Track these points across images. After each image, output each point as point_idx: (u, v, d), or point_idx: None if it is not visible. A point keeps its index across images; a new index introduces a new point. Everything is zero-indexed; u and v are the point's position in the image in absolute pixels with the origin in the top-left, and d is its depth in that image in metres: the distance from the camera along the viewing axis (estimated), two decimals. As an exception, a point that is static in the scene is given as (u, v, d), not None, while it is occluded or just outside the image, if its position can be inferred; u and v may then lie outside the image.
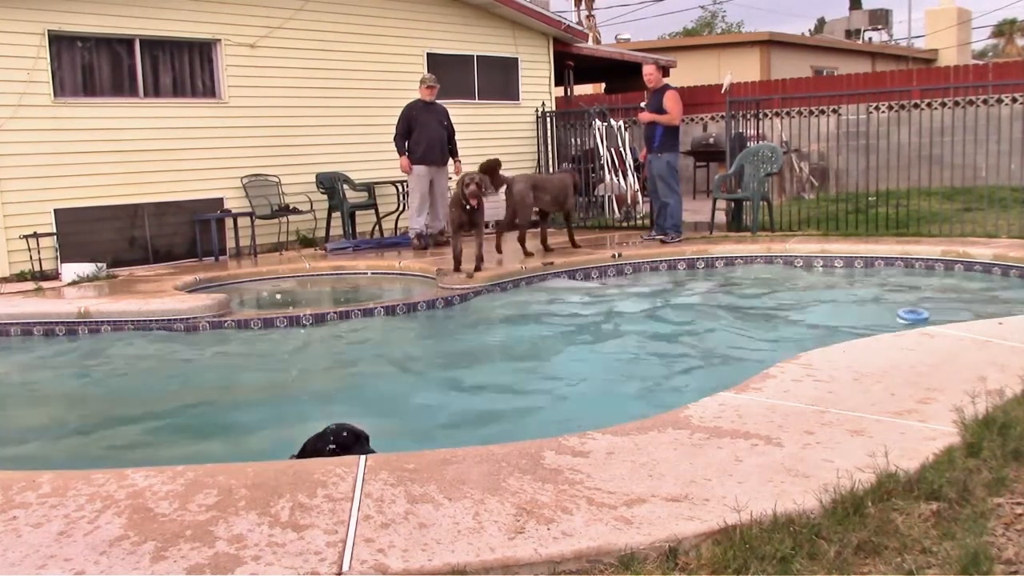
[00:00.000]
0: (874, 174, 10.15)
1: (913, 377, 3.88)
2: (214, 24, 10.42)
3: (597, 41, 25.34)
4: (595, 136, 12.70)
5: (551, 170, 13.25)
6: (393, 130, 10.29)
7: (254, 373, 5.90)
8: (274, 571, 2.30)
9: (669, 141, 9.70)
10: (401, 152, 10.22)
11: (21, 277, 8.95)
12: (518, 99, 13.92)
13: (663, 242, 9.57)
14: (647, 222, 10.96)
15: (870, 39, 30.95)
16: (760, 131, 11.51)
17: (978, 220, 9.41)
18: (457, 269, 8.04)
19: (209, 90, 10.57)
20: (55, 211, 9.28)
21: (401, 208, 11.75)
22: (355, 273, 9.35)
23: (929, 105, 12.71)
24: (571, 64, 15.91)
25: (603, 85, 21.13)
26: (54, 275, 9.07)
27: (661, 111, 9.61)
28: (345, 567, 2.30)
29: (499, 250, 9.12)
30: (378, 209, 11.59)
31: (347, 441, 3.31)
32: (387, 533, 2.48)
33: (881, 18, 31.99)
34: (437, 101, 10.39)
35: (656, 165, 9.73)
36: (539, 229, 9.53)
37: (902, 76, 15.13)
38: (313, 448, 3.31)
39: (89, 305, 7.17)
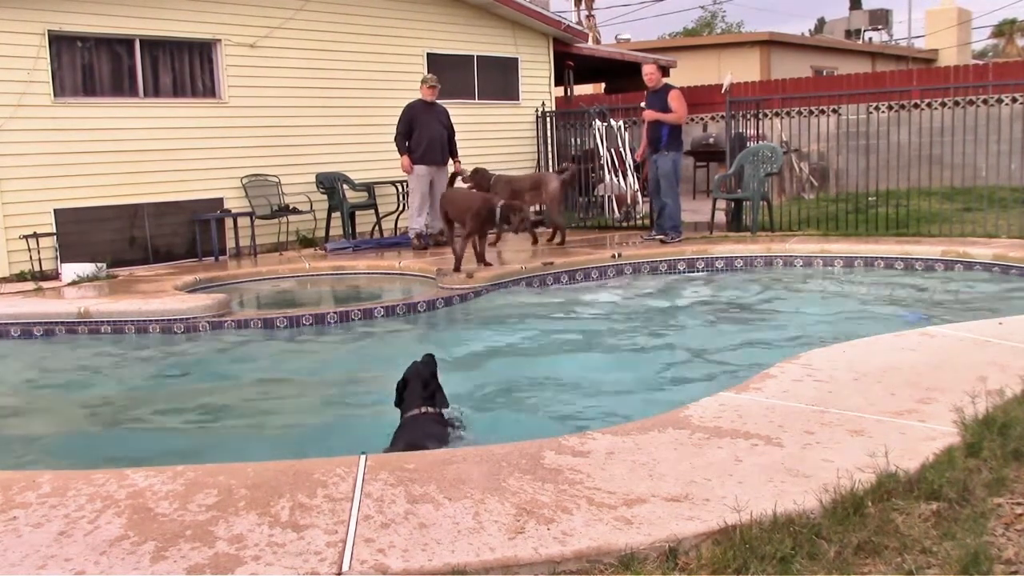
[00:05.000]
0: (874, 174, 10.15)
1: (913, 377, 3.88)
2: (214, 24, 10.42)
3: (597, 41, 25.33)
4: (595, 136, 12.70)
5: (550, 169, 13.22)
6: (393, 130, 10.29)
7: (252, 373, 5.89)
8: (274, 571, 2.30)
9: (675, 140, 9.72)
10: (402, 152, 10.22)
11: (21, 277, 8.95)
12: (518, 99, 13.92)
13: (663, 242, 9.56)
14: (647, 222, 10.96)
15: (870, 39, 30.94)
16: (760, 131, 11.51)
17: (978, 220, 9.41)
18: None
19: (209, 90, 10.56)
20: (55, 211, 9.27)
21: (401, 208, 11.75)
22: (355, 273, 9.34)
23: (929, 105, 12.71)
24: (571, 64, 15.90)
25: (603, 85, 21.11)
26: (54, 275, 9.06)
27: (664, 110, 9.61)
28: (345, 567, 2.30)
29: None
30: (378, 209, 11.59)
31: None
32: (387, 533, 2.48)
33: (881, 18, 31.98)
34: (437, 101, 10.39)
35: (663, 164, 9.72)
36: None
37: (902, 76, 15.14)
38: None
39: (89, 305, 7.17)
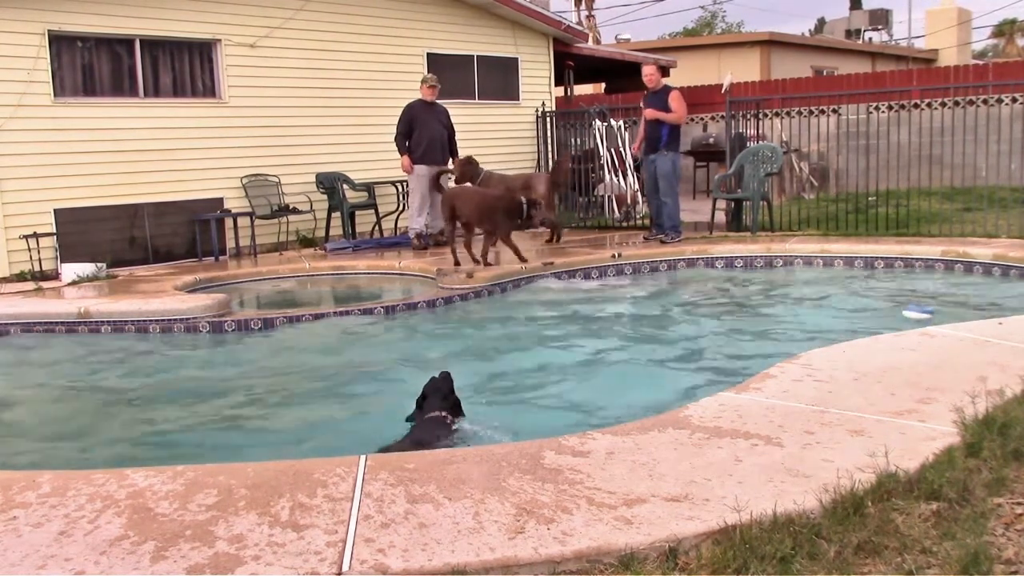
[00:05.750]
0: (874, 174, 10.15)
1: (913, 377, 3.88)
2: (214, 24, 10.42)
3: (597, 41, 25.34)
4: (595, 136, 12.70)
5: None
6: (393, 130, 10.29)
7: (252, 373, 5.89)
8: (274, 571, 2.30)
9: (675, 140, 9.74)
10: (402, 152, 10.23)
11: (21, 277, 8.95)
12: (518, 99, 13.92)
13: (663, 242, 9.57)
14: (647, 222, 10.96)
15: (870, 39, 30.95)
16: (760, 131, 11.51)
17: (978, 220, 9.41)
18: (523, 260, 8.04)
19: (209, 90, 10.57)
20: (55, 211, 9.28)
21: (401, 208, 11.75)
22: (355, 273, 9.34)
23: (929, 105, 12.71)
24: (571, 64, 15.91)
25: (603, 85, 21.12)
26: (54, 275, 9.07)
27: (664, 111, 9.61)
28: (345, 567, 2.30)
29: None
30: (378, 209, 11.59)
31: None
32: (387, 533, 2.48)
33: (881, 18, 31.99)
34: (437, 101, 10.40)
35: (662, 164, 9.72)
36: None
37: (902, 76, 15.14)
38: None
39: (89, 305, 7.17)
